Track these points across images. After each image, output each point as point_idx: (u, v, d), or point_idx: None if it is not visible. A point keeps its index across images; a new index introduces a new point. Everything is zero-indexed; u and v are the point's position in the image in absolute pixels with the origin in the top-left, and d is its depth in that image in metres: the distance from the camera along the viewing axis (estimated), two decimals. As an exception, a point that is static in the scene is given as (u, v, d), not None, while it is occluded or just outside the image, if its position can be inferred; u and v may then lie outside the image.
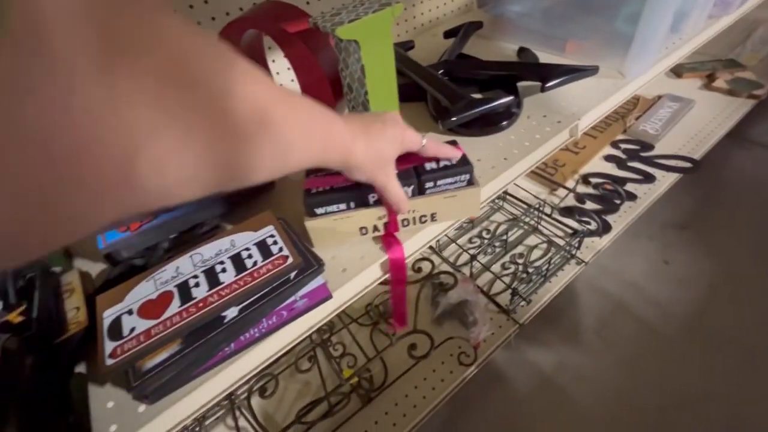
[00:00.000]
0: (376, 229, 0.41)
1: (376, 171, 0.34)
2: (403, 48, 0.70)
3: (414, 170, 0.40)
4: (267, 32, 0.48)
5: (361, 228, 0.41)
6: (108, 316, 0.33)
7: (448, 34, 0.76)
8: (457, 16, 0.90)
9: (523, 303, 0.82)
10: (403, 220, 0.42)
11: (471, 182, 0.41)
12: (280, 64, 0.69)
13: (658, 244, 1.06)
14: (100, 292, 0.37)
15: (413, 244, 0.44)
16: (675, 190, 1.05)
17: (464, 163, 0.40)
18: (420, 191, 0.40)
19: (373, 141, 0.33)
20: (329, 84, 0.49)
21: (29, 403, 0.31)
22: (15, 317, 0.33)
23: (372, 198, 0.39)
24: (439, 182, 0.40)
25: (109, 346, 0.31)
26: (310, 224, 0.39)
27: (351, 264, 0.41)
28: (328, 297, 0.38)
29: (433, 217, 0.42)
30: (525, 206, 0.99)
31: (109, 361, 0.30)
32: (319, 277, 0.38)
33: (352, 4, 0.43)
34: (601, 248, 0.92)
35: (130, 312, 0.33)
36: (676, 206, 1.12)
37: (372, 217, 0.40)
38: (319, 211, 0.39)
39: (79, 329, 0.35)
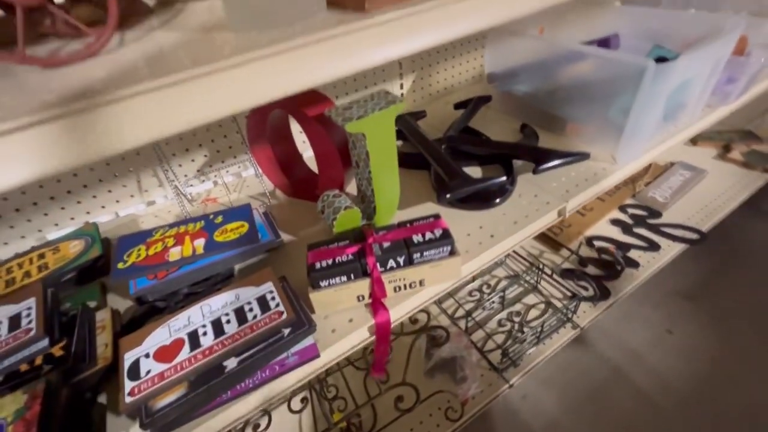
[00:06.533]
0: (371, 296, 0.47)
1: None
2: (414, 118, 0.78)
3: (404, 242, 0.46)
4: (290, 114, 0.56)
5: (359, 296, 0.47)
6: (129, 358, 0.39)
7: (458, 106, 0.83)
8: (471, 84, 0.98)
9: (511, 365, 0.84)
10: (395, 287, 0.47)
11: (452, 252, 0.47)
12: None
13: (663, 312, 1.06)
14: (125, 330, 0.44)
15: (404, 308, 0.49)
16: (683, 259, 1.06)
17: (446, 237, 0.46)
18: (410, 261, 0.46)
19: None
20: (340, 156, 0.56)
21: (62, 430, 0.37)
22: (57, 350, 0.39)
23: (369, 269, 0.45)
24: (425, 253, 0.46)
25: (128, 385, 0.37)
26: (314, 296, 0.45)
27: (340, 326, 0.46)
28: (316, 356, 0.43)
29: (421, 283, 0.48)
30: (527, 263, 1.02)
31: (128, 399, 0.36)
32: (310, 337, 0.44)
33: (363, 99, 0.51)
34: (598, 315, 0.94)
35: (147, 355, 0.40)
36: (684, 275, 1.12)
37: (368, 285, 0.46)
38: (322, 284, 0.45)
39: (105, 364, 0.41)
